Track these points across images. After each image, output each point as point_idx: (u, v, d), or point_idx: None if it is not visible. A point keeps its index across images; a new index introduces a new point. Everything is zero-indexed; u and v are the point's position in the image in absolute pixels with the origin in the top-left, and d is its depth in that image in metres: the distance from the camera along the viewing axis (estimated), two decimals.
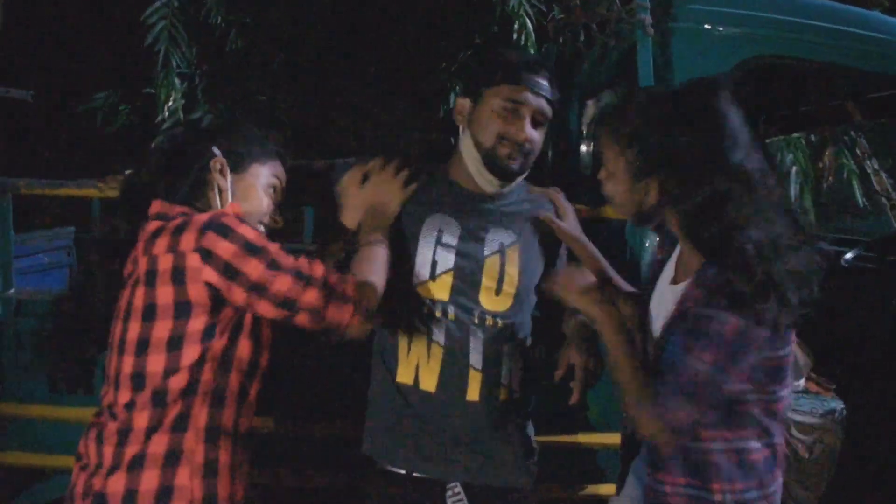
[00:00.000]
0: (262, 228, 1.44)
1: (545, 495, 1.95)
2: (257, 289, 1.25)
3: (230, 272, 1.24)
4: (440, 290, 1.51)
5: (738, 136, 1.19)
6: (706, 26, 2.08)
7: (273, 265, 1.26)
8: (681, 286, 1.30)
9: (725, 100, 1.22)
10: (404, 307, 1.53)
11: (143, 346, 1.24)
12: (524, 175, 1.58)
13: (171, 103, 4.48)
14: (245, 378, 1.33)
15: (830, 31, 2.08)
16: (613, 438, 1.94)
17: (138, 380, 1.24)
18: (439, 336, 1.50)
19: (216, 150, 1.42)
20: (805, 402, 2.61)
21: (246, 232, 1.27)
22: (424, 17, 5.14)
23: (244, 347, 1.31)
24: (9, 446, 1.96)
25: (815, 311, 1.24)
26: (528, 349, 1.59)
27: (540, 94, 1.50)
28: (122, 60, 4.84)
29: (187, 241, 1.24)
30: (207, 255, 1.23)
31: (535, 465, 1.60)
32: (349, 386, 1.86)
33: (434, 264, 1.51)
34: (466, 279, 1.52)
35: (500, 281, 1.53)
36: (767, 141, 3.59)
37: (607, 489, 2.03)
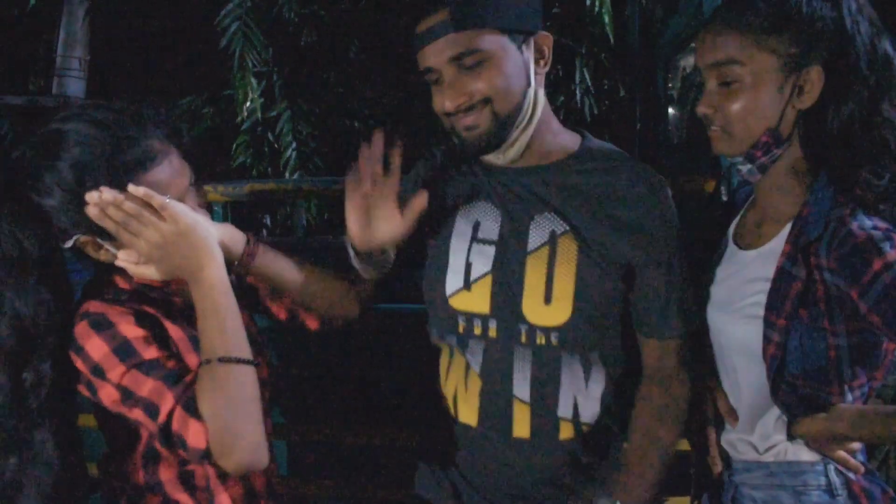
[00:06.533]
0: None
1: None
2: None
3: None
4: (478, 302, 1.16)
5: (865, 10, 1.01)
6: None
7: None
8: (768, 245, 1.08)
9: None
10: (439, 323, 1.22)
11: None
12: (527, 130, 1.13)
13: (248, 103, 4.53)
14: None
15: None
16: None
17: None
18: (476, 360, 1.18)
19: (70, 237, 1.03)
20: None
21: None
22: None
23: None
24: None
25: None
26: (606, 371, 1.20)
27: (437, 36, 1.06)
28: (204, 64, 4.95)
29: None
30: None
31: None
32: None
33: (468, 268, 1.17)
34: (507, 285, 1.15)
35: (549, 284, 1.14)
36: None
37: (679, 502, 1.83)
